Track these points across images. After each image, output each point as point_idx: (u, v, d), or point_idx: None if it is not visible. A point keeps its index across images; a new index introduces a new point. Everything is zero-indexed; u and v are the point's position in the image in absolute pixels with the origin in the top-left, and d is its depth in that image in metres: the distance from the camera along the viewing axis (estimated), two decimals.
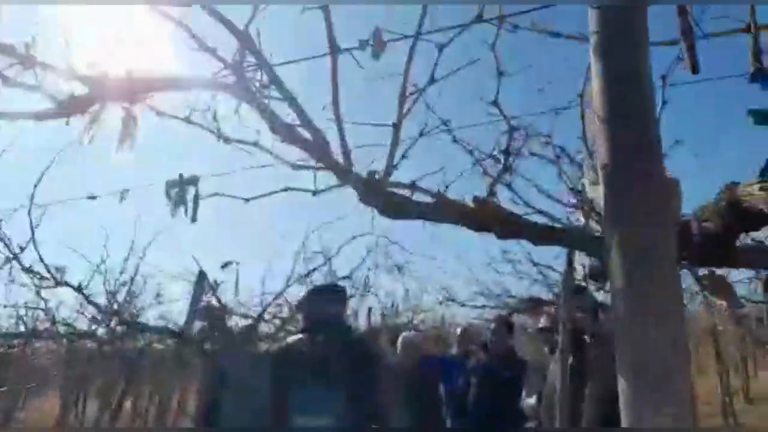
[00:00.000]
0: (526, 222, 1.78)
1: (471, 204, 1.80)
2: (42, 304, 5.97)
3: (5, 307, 6.42)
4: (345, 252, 6.23)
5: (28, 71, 1.65)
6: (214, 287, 5.36)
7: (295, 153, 2.00)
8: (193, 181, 2.55)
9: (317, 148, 1.71)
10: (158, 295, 6.59)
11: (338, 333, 3.15)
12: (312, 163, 1.95)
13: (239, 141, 2.06)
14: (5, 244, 4.18)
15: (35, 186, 3.96)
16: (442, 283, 7.62)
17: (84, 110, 1.70)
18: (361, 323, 8.97)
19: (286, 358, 3.13)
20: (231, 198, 1.99)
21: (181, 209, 2.58)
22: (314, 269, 6.29)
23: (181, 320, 7.25)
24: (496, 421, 5.07)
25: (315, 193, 1.85)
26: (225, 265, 4.95)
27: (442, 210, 1.77)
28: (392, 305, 9.13)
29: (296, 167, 1.97)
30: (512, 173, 1.90)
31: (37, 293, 5.72)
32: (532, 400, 4.61)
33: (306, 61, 2.03)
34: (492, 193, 1.83)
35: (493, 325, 5.50)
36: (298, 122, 1.73)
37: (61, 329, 6.72)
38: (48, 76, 1.65)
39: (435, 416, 4.85)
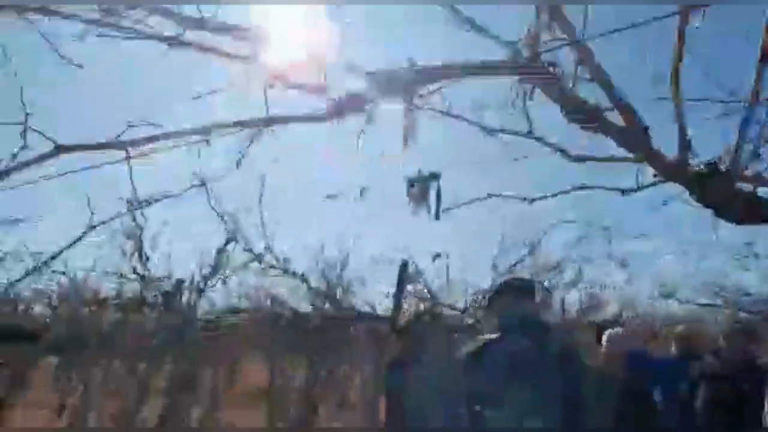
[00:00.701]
0: None
1: None
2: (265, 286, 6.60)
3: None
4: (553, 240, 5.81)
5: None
6: (418, 277, 5.31)
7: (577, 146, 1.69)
8: (435, 177, 2.38)
9: (634, 137, 1.37)
10: (362, 279, 6.84)
11: (532, 333, 2.91)
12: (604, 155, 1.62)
13: (505, 131, 1.81)
14: (247, 243, 4.59)
15: (260, 195, 4.25)
16: (659, 276, 6.64)
17: (360, 108, 1.60)
18: (556, 317, 8.37)
19: (481, 358, 2.93)
20: (507, 198, 1.74)
21: (423, 207, 2.44)
22: (519, 261, 5.95)
23: (376, 303, 7.50)
24: None
25: (625, 192, 1.51)
26: (435, 257, 4.88)
27: None
28: (591, 298, 8.29)
29: (578, 159, 1.65)
30: None
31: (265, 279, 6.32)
32: None
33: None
34: None
35: (729, 329, 4.65)
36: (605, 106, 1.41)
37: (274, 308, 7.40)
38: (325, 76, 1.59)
39: (648, 420, 4.11)
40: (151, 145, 1.67)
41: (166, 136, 1.67)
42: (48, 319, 9.39)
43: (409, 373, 4.92)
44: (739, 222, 1.34)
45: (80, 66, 1.76)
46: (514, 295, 3.06)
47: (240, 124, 1.59)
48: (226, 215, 4.36)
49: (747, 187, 1.38)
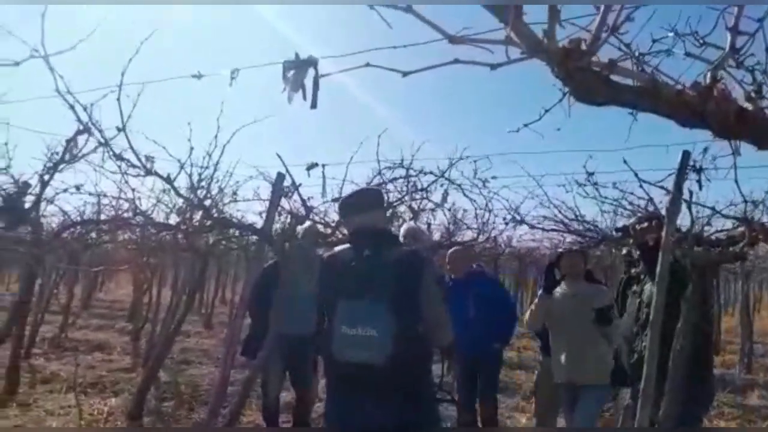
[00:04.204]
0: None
1: (690, 92, 1.45)
2: (129, 194, 6.02)
3: (90, 194, 6.56)
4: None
5: None
6: (293, 190, 5.19)
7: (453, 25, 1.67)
8: (312, 62, 2.26)
9: (509, 13, 1.38)
10: (235, 193, 6.57)
11: (382, 243, 3.01)
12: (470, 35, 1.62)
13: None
14: (97, 129, 4.09)
15: (122, 74, 3.70)
16: (510, 201, 7.11)
17: None
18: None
19: (333, 268, 3.04)
20: (388, 71, 1.67)
21: (300, 94, 2.33)
22: (393, 179, 6.07)
23: (251, 218, 7.28)
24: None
25: (494, 67, 1.52)
26: (310, 167, 4.75)
27: (654, 97, 1.44)
28: (454, 222, 8.80)
29: (454, 40, 1.63)
30: (740, 55, 1.49)
31: (126, 182, 5.76)
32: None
33: None
34: (715, 79, 1.46)
35: (570, 250, 5.36)
36: None
37: (139, 219, 6.90)
38: None
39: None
40: None
41: None
42: None
43: (279, 278, 4.94)
44: (588, 101, 1.43)
45: None
46: (356, 206, 3.03)
47: None
48: (77, 103, 3.80)
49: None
